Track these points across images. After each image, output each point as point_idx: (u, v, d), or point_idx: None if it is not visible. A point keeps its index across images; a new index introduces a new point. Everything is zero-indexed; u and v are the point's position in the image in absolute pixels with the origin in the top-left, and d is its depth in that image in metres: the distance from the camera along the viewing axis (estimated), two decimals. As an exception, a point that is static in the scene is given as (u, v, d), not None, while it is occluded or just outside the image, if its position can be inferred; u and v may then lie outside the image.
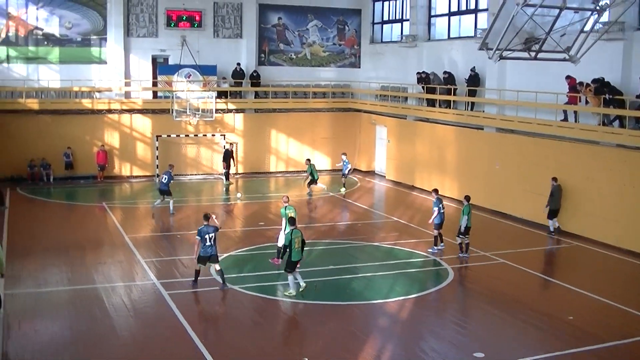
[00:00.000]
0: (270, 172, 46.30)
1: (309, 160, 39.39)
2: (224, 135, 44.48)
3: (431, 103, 40.17)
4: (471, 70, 36.76)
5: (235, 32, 47.05)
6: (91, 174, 41.58)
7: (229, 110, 45.20)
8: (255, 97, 46.65)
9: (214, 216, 22.72)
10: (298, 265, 21.96)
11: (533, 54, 20.17)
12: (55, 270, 24.10)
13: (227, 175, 41.97)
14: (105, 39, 43.97)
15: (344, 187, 40.44)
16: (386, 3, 48.32)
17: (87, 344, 17.99)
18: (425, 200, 37.18)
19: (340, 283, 23.41)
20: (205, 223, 22.09)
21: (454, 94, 38.15)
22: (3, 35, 41.92)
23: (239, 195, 38.76)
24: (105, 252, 26.84)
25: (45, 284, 22.75)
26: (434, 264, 25.63)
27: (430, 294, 22.38)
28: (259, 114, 46.17)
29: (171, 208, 33.54)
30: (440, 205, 26.81)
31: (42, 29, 42.69)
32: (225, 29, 46.92)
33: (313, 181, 37.79)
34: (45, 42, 42.89)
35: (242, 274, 24.15)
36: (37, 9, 42.42)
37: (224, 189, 41.27)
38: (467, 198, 26.51)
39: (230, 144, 43.32)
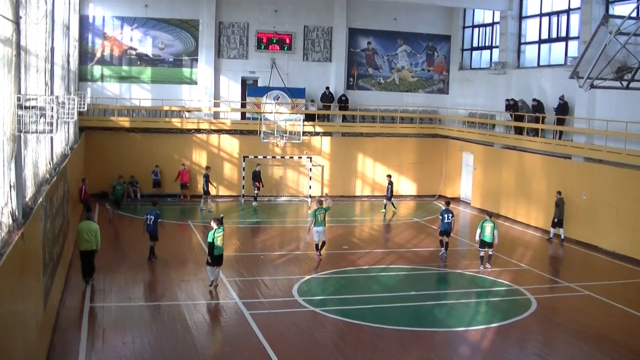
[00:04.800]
0: (356, 196, 46.35)
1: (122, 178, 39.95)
2: (310, 158, 44.75)
3: (519, 131, 39.83)
4: (560, 98, 36.31)
5: (324, 55, 47.40)
6: (178, 193, 42.26)
7: (317, 133, 45.49)
8: (342, 121, 46.86)
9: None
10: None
11: (625, 83, 19.89)
12: (140, 286, 24.62)
13: (256, 196, 42.21)
14: (197, 60, 44.81)
15: (384, 208, 41.66)
16: (476, 30, 48.16)
17: (168, 359, 18.26)
18: (509, 228, 36.80)
19: (422, 309, 23.32)
20: (152, 207, 28.36)
21: (543, 122, 37.75)
22: (98, 55, 43.04)
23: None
24: (189, 269, 27.21)
25: (131, 299, 23.20)
26: (517, 294, 25.28)
27: (513, 324, 22.06)
28: (346, 137, 46.35)
29: (202, 204, 39.74)
30: (445, 216, 29.87)
31: (135, 49, 43.74)
32: (315, 52, 47.31)
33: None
34: (139, 62, 43.92)
35: (324, 297, 24.22)
36: (132, 29, 43.51)
37: (254, 210, 41.24)
38: (489, 214, 29.48)
39: (258, 164, 42.92)
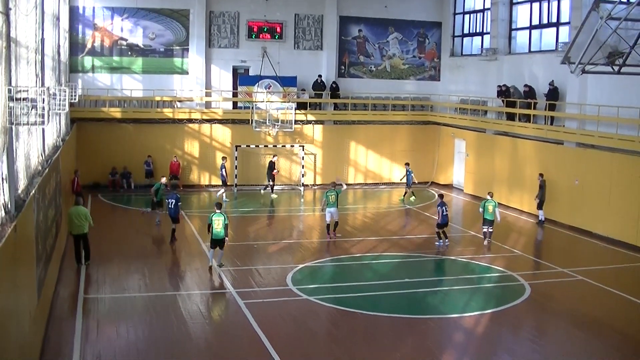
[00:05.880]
0: (349, 184, 46.19)
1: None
2: (303, 147, 44.69)
3: (511, 117, 39.84)
4: (550, 84, 36.28)
5: (315, 44, 47.31)
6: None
7: (308, 122, 45.43)
8: (334, 109, 46.81)
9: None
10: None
11: (616, 68, 19.89)
12: (134, 276, 24.58)
13: (272, 187, 41.57)
14: (188, 50, 44.67)
15: (413, 195, 41.51)
16: (467, 16, 48.08)
17: (163, 349, 18.26)
18: (502, 214, 36.81)
19: (416, 297, 23.35)
20: (172, 192, 30.00)
21: (534, 108, 37.75)
22: (89, 46, 42.87)
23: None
24: (183, 259, 27.24)
25: (125, 290, 23.20)
26: (510, 280, 25.32)
27: (506, 310, 22.11)
28: (338, 125, 46.29)
29: (224, 196, 39.72)
30: (444, 208, 30.31)
31: (126, 40, 43.57)
32: (306, 40, 47.21)
33: None
34: (129, 53, 43.75)
35: (318, 285, 24.24)
36: (122, 20, 43.32)
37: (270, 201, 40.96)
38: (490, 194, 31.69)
39: (275, 155, 42.86)
